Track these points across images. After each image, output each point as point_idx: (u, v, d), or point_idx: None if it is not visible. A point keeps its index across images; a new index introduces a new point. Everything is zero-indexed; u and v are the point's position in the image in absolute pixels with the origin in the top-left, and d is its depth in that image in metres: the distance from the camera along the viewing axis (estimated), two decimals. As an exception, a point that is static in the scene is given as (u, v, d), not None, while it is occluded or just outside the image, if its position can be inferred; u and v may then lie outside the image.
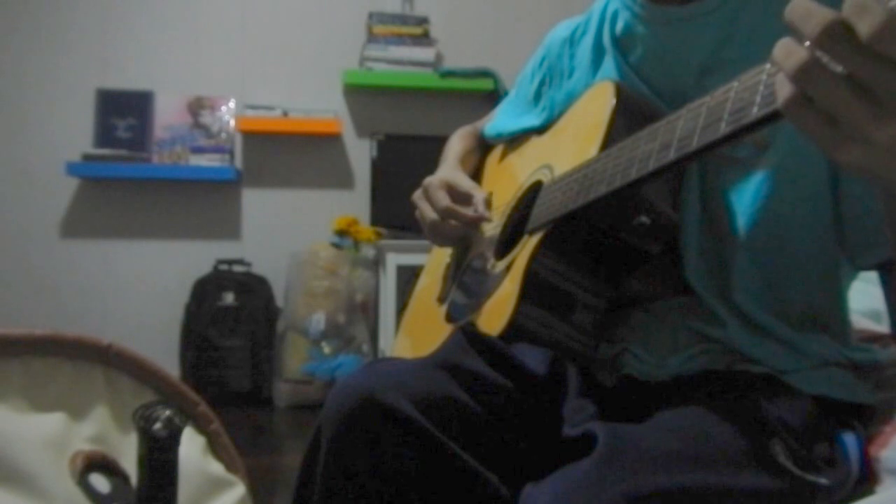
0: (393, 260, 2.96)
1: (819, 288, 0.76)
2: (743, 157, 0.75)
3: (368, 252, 3.24)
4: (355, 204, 3.33)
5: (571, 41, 0.97)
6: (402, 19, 3.32)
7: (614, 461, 0.59)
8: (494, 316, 0.83)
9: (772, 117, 0.49)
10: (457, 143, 1.16)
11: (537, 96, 1.04)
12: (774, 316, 0.75)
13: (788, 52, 0.43)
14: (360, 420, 0.67)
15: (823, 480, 0.64)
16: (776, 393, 0.72)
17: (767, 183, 0.74)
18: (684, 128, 0.59)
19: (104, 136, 3.16)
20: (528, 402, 0.74)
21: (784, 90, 0.45)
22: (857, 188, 0.72)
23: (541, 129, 1.03)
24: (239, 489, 0.83)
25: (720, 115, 0.54)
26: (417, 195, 1.03)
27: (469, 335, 0.77)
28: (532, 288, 0.79)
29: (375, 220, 3.21)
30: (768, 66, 0.50)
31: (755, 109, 0.50)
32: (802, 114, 0.44)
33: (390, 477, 0.67)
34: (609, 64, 0.88)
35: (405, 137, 3.30)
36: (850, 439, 0.71)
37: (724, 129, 0.53)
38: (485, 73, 3.30)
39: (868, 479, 0.70)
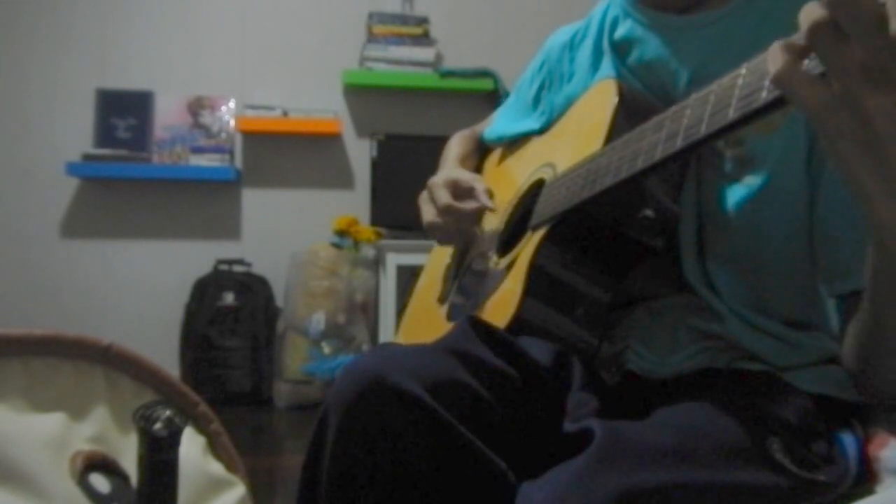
0: (393, 260, 2.96)
1: (801, 300, 0.76)
2: (728, 171, 0.76)
3: (368, 252, 3.24)
4: (355, 204, 3.33)
5: (571, 46, 0.98)
6: (402, 19, 3.32)
7: (609, 457, 0.59)
8: (498, 312, 0.83)
9: (781, 101, 0.49)
10: (456, 146, 1.17)
11: (536, 100, 1.05)
12: (765, 316, 0.75)
13: (811, 11, 0.43)
14: (369, 402, 0.67)
15: (821, 478, 0.65)
16: (775, 391, 0.72)
17: (748, 199, 0.74)
18: (692, 116, 0.59)
19: (104, 136, 3.16)
20: (534, 392, 0.73)
21: (777, 60, 0.45)
22: (830, 214, 0.70)
23: (540, 132, 1.03)
24: (239, 489, 0.82)
25: (728, 101, 0.54)
26: (422, 196, 1.03)
27: (475, 324, 0.77)
28: (536, 283, 0.80)
29: (375, 220, 3.21)
30: None
31: (764, 94, 0.50)
32: (794, 80, 0.44)
33: (399, 458, 0.67)
34: (607, 65, 0.88)
35: (405, 137, 3.30)
36: (848, 438, 0.72)
37: (732, 114, 0.53)
38: (485, 73, 3.30)
39: (867, 478, 0.70)
